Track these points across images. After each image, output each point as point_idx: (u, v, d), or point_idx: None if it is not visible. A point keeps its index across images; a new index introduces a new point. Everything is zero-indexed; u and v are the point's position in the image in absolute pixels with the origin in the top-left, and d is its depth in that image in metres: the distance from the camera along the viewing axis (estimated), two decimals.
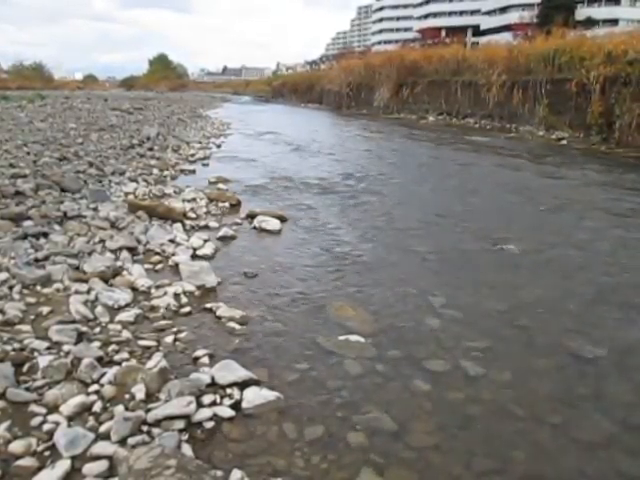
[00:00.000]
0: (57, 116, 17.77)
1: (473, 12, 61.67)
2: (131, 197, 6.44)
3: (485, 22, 56.38)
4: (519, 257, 4.93)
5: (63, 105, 25.16)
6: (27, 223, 4.88)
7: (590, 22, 37.06)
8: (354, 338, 3.16)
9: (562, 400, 2.68)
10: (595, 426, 2.47)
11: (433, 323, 3.48)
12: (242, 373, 2.61)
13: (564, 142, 16.33)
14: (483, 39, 42.23)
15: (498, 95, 21.28)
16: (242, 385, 2.56)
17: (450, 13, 64.30)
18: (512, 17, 46.02)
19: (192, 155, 10.94)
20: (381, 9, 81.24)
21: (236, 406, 2.44)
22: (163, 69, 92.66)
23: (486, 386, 2.76)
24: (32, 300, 3.39)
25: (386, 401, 2.58)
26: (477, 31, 54.78)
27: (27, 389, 2.43)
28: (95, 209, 5.65)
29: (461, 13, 63.73)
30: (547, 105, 18.77)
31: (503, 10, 54.54)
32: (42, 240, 4.50)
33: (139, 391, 2.43)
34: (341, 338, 3.17)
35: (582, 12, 41.02)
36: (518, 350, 3.19)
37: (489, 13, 58.14)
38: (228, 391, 2.53)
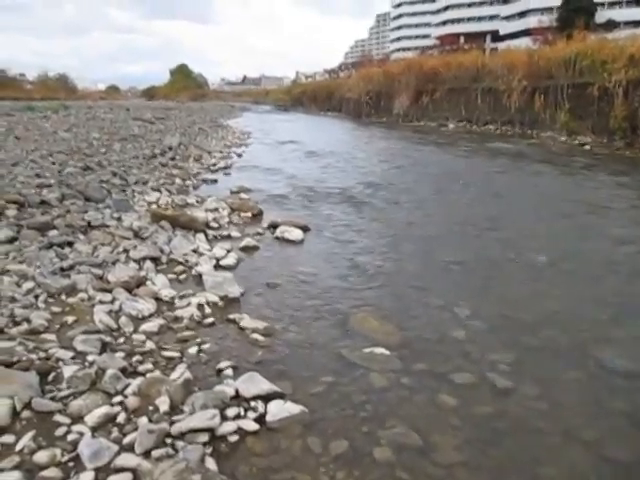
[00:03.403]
0: (81, 126, 18.06)
1: (492, 17, 61.31)
2: (154, 207, 6.48)
3: (504, 27, 56.00)
4: (546, 266, 4.83)
5: (86, 115, 25.58)
6: (52, 232, 4.93)
7: (611, 24, 36.47)
8: (379, 350, 3.12)
9: (593, 415, 2.60)
10: (630, 443, 2.39)
11: (458, 335, 3.42)
12: (266, 386, 2.59)
13: (587, 147, 16.09)
14: (502, 44, 41.95)
15: (519, 101, 21.12)
16: (266, 398, 2.54)
17: (468, 19, 64.07)
18: (531, 21, 45.60)
19: (214, 164, 11.03)
20: (399, 17, 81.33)
21: (260, 419, 2.42)
22: (184, 79, 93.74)
23: (514, 400, 2.69)
24: (57, 309, 3.40)
25: (412, 415, 2.53)
26: (496, 36, 54.44)
27: (52, 399, 2.43)
28: (119, 219, 5.69)
29: (479, 19, 63.41)
30: (569, 110, 18.55)
31: (522, 15, 54.11)
32: (67, 249, 4.53)
33: (163, 403, 2.41)
34: (366, 350, 3.13)
35: (603, 14, 40.44)
36: (546, 362, 3.11)
37: (508, 18, 57.73)
38: (252, 404, 2.50)
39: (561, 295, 4.15)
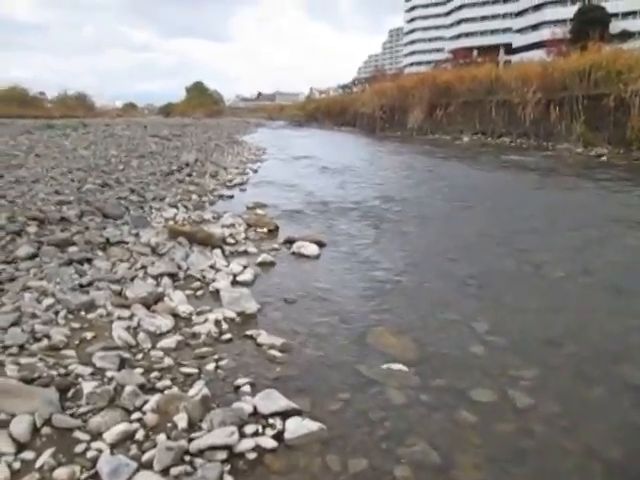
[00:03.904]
0: (99, 143, 18.35)
1: (505, 30, 61.58)
2: (171, 223, 6.52)
3: (517, 40, 56.19)
4: (564, 280, 4.77)
5: (104, 132, 25.97)
6: (72, 249, 5.00)
7: (626, 35, 36.33)
8: (397, 367, 3.09)
9: (618, 433, 2.54)
10: None
11: (477, 350, 3.37)
12: (284, 403, 2.57)
13: (604, 158, 15.93)
14: (515, 57, 41.98)
15: (533, 113, 21.06)
16: (284, 415, 2.52)
17: (482, 33, 64.34)
18: (544, 34, 45.63)
19: (230, 180, 11.09)
20: (412, 31, 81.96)
21: (278, 437, 2.40)
22: (199, 96, 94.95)
23: (536, 418, 2.64)
24: (76, 325, 3.44)
25: (431, 433, 2.49)
26: (509, 49, 54.55)
27: (72, 415, 2.44)
28: (137, 235, 5.74)
29: (492, 32, 63.72)
30: (584, 121, 18.44)
31: (535, 27, 54.27)
32: (86, 266, 4.58)
33: (181, 420, 2.40)
34: (383, 367, 3.10)
35: (617, 25, 40.32)
36: (568, 379, 3.05)
37: (521, 31, 57.91)
38: (270, 421, 2.49)
39: (581, 309, 4.09)
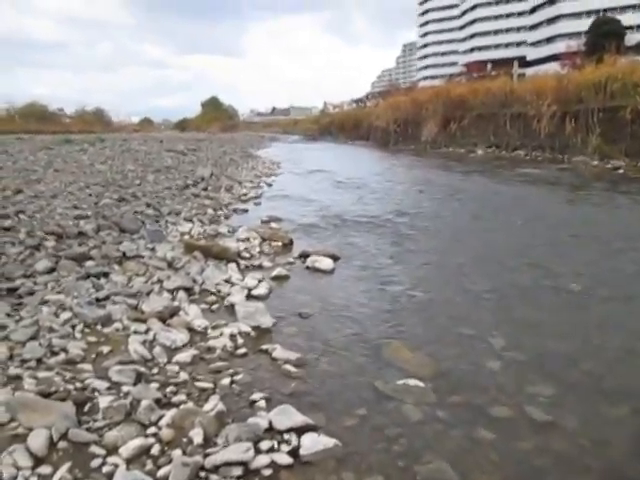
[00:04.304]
0: (116, 158, 18.54)
1: (519, 44, 61.64)
2: (187, 237, 6.59)
3: (531, 53, 56.10)
4: (581, 295, 4.70)
5: (121, 147, 26.26)
6: (89, 263, 5.06)
7: None
8: (413, 382, 3.06)
9: None
10: None
11: (494, 366, 3.33)
12: (299, 418, 2.55)
13: (621, 171, 15.74)
14: (530, 70, 41.88)
15: (548, 126, 20.90)
16: (300, 431, 2.50)
17: (495, 46, 64.46)
18: (559, 47, 45.55)
19: (244, 194, 11.16)
20: (426, 46, 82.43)
21: (294, 453, 2.38)
22: (214, 111, 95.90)
23: (555, 435, 2.60)
24: (93, 339, 3.47)
25: (448, 450, 2.46)
26: (523, 62, 54.49)
27: (88, 429, 2.44)
28: (153, 249, 5.80)
29: (506, 45, 63.80)
30: (600, 134, 18.29)
31: (549, 40, 54.21)
32: (103, 280, 4.63)
33: (197, 435, 2.40)
34: (399, 382, 3.07)
35: (632, 37, 40.10)
36: (587, 396, 3.00)
37: (535, 44, 57.87)
38: (286, 437, 2.47)
39: (598, 325, 4.03)
